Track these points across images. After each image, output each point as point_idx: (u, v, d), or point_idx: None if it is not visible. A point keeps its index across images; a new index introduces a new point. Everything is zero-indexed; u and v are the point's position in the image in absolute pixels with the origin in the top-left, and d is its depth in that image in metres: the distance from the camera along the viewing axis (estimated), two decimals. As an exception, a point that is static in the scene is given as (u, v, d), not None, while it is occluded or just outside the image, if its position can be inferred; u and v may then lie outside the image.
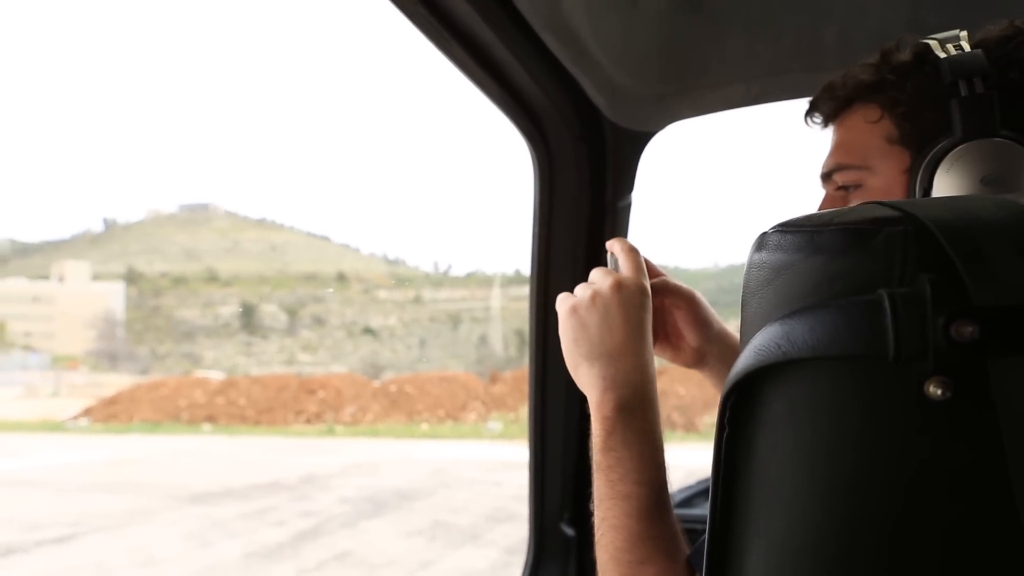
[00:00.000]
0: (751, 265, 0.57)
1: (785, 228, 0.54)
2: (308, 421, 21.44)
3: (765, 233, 0.56)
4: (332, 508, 10.35)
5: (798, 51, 1.15)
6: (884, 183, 0.73)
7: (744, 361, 0.52)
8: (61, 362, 42.28)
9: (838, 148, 0.76)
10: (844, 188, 0.77)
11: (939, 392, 0.43)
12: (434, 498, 11.07)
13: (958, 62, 0.68)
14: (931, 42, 0.71)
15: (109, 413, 22.12)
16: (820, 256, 0.51)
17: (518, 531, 8.80)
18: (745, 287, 0.58)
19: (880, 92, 0.73)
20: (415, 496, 11.20)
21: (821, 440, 0.49)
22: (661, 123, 1.23)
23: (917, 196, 0.70)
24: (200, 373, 35.68)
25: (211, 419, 21.56)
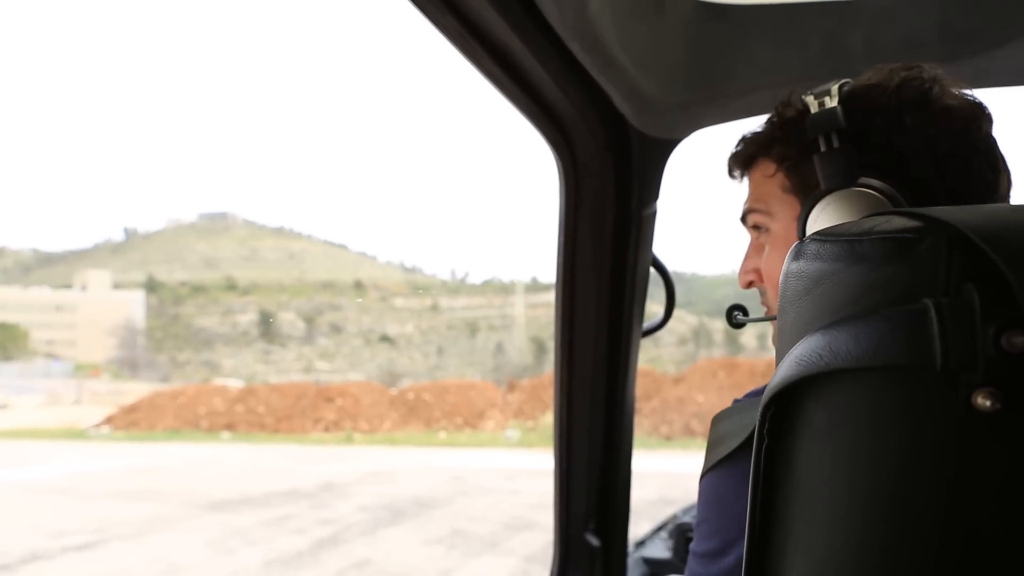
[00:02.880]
0: (788, 274, 0.56)
1: (824, 237, 0.53)
2: (326, 429, 21.52)
3: (803, 242, 0.55)
4: (351, 516, 10.37)
5: (825, 57, 1.14)
6: (783, 228, 0.81)
7: (784, 371, 0.51)
8: (83, 370, 42.84)
9: (750, 194, 0.85)
10: (756, 228, 0.85)
11: (988, 403, 0.42)
12: (453, 506, 11.05)
13: (815, 120, 0.74)
14: (808, 98, 0.76)
15: (130, 421, 22.33)
16: (861, 265, 0.50)
17: (537, 539, 8.77)
18: (782, 296, 0.57)
19: (772, 148, 0.81)
20: (434, 504, 11.19)
21: (863, 452, 0.48)
22: (687, 131, 1.22)
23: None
24: (219, 381, 35.96)
25: (230, 427, 21.70)
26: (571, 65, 0.99)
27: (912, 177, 0.72)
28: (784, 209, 0.80)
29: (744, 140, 0.85)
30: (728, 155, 0.87)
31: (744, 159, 0.85)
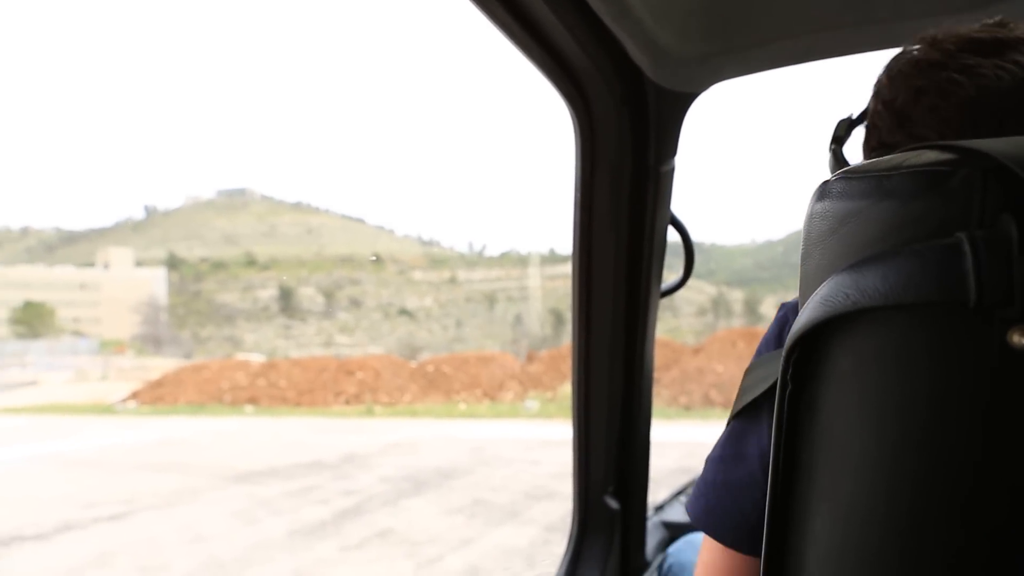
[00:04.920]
0: (812, 215, 0.54)
1: (851, 174, 0.51)
2: (347, 402, 21.74)
3: (828, 181, 0.53)
4: (373, 487, 10.49)
5: (849, 4, 1.10)
6: None
7: (809, 313, 0.49)
8: (109, 347, 43.57)
9: None
10: None
11: (1024, 341, 0.40)
12: (473, 476, 11.15)
13: None
14: None
15: (156, 396, 22.70)
16: (890, 201, 0.47)
17: (557, 509, 8.83)
18: (806, 239, 0.55)
19: None
20: (454, 475, 11.29)
21: (891, 395, 0.46)
22: (705, 83, 1.19)
23: None
24: (241, 356, 36.43)
25: (253, 401, 21.99)
26: (586, 15, 0.96)
27: None
28: None
29: None
30: None
31: None
